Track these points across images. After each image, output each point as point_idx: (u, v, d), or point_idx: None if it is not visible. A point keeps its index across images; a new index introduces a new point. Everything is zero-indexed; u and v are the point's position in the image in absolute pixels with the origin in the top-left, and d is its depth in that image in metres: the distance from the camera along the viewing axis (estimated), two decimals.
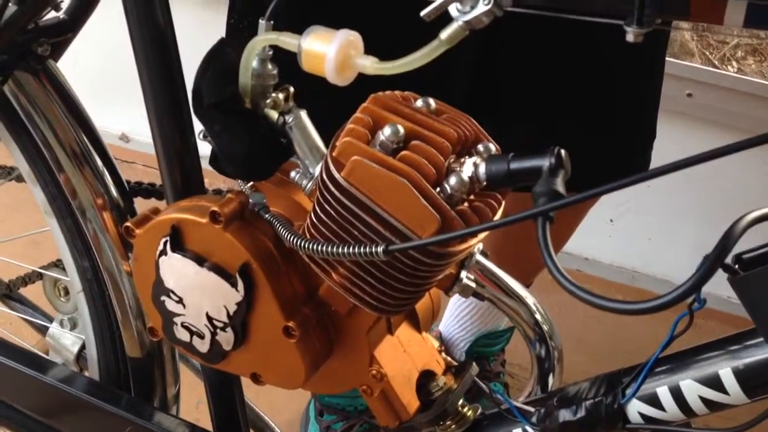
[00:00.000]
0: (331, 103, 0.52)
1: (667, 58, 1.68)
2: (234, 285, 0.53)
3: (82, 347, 0.81)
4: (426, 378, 0.60)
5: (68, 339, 0.83)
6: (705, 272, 0.38)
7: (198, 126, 0.59)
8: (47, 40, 0.62)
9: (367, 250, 0.46)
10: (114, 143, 1.88)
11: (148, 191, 0.68)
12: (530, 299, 0.60)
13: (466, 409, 0.59)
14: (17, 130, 0.65)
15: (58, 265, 0.80)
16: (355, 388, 1.14)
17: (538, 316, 0.60)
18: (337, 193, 0.47)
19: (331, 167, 0.47)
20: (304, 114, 0.55)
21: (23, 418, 0.77)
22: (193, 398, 1.07)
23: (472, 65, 0.80)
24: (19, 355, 0.72)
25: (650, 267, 1.86)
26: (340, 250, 0.47)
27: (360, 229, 0.48)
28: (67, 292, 0.80)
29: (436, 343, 0.63)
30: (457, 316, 1.27)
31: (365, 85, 0.51)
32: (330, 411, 1.18)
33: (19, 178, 0.74)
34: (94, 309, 0.71)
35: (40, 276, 0.82)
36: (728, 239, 0.39)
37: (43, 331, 0.87)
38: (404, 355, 0.59)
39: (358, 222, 0.47)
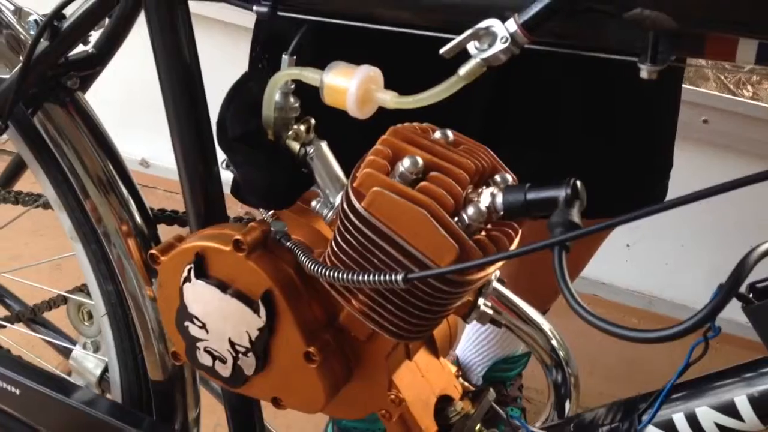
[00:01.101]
0: (351, 136, 0.54)
1: (684, 86, 1.69)
2: (256, 311, 0.54)
3: (105, 370, 0.82)
4: (444, 403, 0.61)
5: (91, 362, 0.84)
6: (719, 303, 0.39)
7: (221, 155, 0.61)
8: (76, 74, 0.65)
9: (387, 278, 0.47)
10: (134, 168, 1.91)
11: (172, 218, 0.70)
12: (546, 325, 0.61)
13: None
14: (45, 159, 0.67)
15: (82, 289, 0.82)
16: (373, 413, 1.14)
17: (554, 342, 0.61)
18: (357, 222, 0.49)
19: (352, 197, 0.49)
20: (324, 145, 0.56)
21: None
22: (212, 421, 1.08)
23: (488, 98, 0.82)
24: (43, 378, 0.73)
25: (667, 292, 1.86)
26: (360, 277, 0.49)
27: (380, 258, 0.49)
28: (90, 317, 0.82)
29: (454, 369, 0.64)
30: (474, 341, 1.28)
31: (385, 118, 0.52)
32: None
33: (45, 205, 0.76)
34: (117, 333, 0.72)
35: (65, 300, 0.83)
36: (741, 270, 0.40)
37: (66, 353, 0.88)
38: (422, 380, 0.60)
39: (378, 251, 0.49)
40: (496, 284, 0.57)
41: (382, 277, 0.48)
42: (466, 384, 0.63)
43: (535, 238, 0.45)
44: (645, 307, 1.85)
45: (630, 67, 0.43)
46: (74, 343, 0.87)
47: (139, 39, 0.60)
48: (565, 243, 0.45)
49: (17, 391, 0.73)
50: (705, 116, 1.60)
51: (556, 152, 0.85)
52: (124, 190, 0.68)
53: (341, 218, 0.50)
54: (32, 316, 0.87)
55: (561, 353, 0.61)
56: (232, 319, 0.56)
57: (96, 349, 0.84)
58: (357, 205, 0.48)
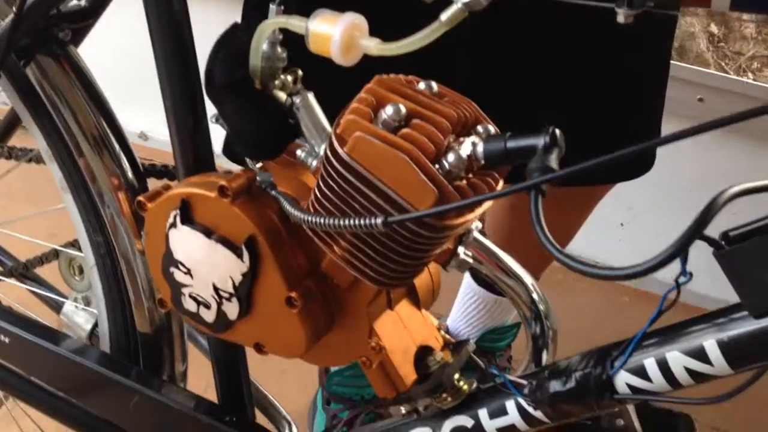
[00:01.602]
0: (337, 87, 0.55)
1: (680, 64, 1.69)
2: (240, 256, 0.55)
3: (95, 325, 0.84)
4: (424, 353, 0.62)
5: (81, 317, 0.85)
6: (685, 239, 0.40)
7: (210, 110, 0.62)
8: (68, 26, 0.65)
9: (367, 222, 0.48)
10: (133, 141, 1.93)
11: (161, 172, 0.71)
12: (528, 279, 0.62)
13: (461, 382, 0.61)
14: (36, 110, 0.68)
15: (74, 244, 0.83)
16: (362, 381, 1.16)
17: (534, 296, 0.62)
18: (340, 168, 0.50)
19: (335, 143, 0.50)
20: (311, 96, 0.57)
21: (33, 389, 0.80)
22: (201, 383, 1.09)
23: (474, 51, 0.82)
24: (33, 327, 0.75)
25: (661, 271, 1.88)
26: (341, 222, 0.50)
27: (361, 203, 0.50)
28: (81, 271, 0.83)
29: (435, 321, 0.65)
30: (464, 311, 1.29)
31: (371, 70, 0.53)
32: (337, 399, 1.20)
33: (38, 159, 0.77)
34: (106, 284, 0.73)
35: (56, 255, 0.84)
36: (710, 210, 0.41)
37: (57, 309, 0.89)
38: (403, 330, 0.61)
39: (360, 196, 0.50)
40: (477, 234, 0.58)
41: (362, 221, 0.49)
42: (447, 336, 0.64)
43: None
44: (637, 286, 1.87)
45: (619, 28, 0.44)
46: (66, 299, 0.88)
47: (138, 9, 0.61)
48: (540, 187, 0.46)
49: (6, 339, 0.74)
50: (700, 95, 1.60)
51: (543, 110, 0.85)
52: (115, 143, 0.69)
53: (324, 164, 0.51)
54: (24, 271, 0.88)
55: (541, 307, 0.62)
56: (217, 264, 0.57)
57: (87, 304, 0.85)
58: (340, 150, 0.49)
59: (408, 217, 0.48)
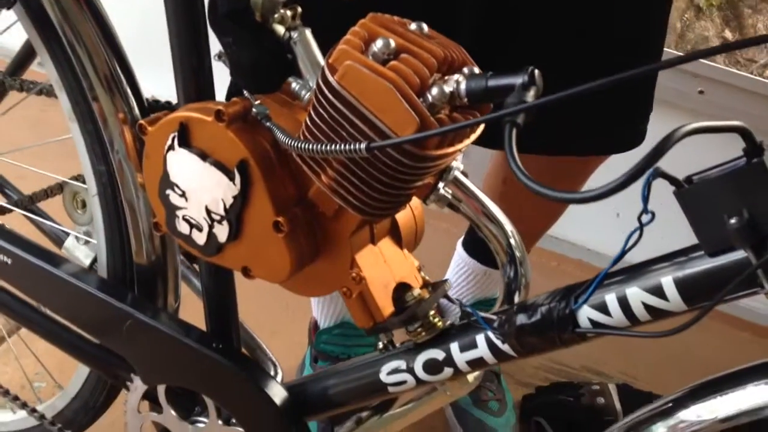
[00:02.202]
0: (333, 25, 0.58)
1: (682, 53, 1.70)
2: (232, 179, 0.59)
3: (94, 261, 0.87)
4: (403, 290, 0.65)
5: (81, 252, 0.88)
6: (641, 166, 0.43)
7: (213, 48, 0.65)
8: None
9: (352, 147, 0.51)
10: None
11: (164, 107, 0.74)
12: (508, 226, 0.65)
13: (436, 319, 0.64)
14: (49, 38, 0.71)
15: (77, 179, 0.86)
16: (350, 340, 1.19)
17: (512, 241, 0.64)
18: (330, 95, 0.53)
19: (326, 71, 0.53)
20: (308, 32, 0.60)
21: (33, 313, 0.83)
22: None
23: (476, 15, 0.85)
24: (35, 249, 0.78)
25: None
26: (328, 148, 0.53)
27: (348, 131, 0.53)
28: (84, 205, 0.86)
29: (416, 262, 0.68)
30: (454, 282, 1.32)
31: (361, 11, 0.56)
32: (324, 357, 1.24)
33: (49, 93, 0.80)
34: (106, 213, 0.77)
35: (61, 188, 0.88)
36: (665, 143, 0.43)
37: (59, 243, 0.92)
38: (384, 265, 0.64)
39: (347, 123, 0.53)
40: (458, 174, 0.61)
41: (348, 147, 0.52)
42: (426, 277, 0.67)
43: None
44: None
45: None
46: (67, 235, 0.92)
47: None
48: (515, 119, 0.49)
49: (9, 260, 0.77)
50: (701, 87, 1.62)
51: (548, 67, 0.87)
52: (123, 78, 0.72)
53: (316, 93, 0.54)
54: (29, 204, 0.91)
55: (517, 253, 0.65)
56: (210, 187, 0.60)
57: (87, 242, 0.88)
58: (330, 78, 0.52)
59: (390, 143, 0.51)
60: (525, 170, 0.47)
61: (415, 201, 0.66)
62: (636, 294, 0.52)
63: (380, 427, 0.76)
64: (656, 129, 1.10)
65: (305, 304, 1.36)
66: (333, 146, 0.52)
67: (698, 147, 0.72)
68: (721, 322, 1.81)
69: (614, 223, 1.97)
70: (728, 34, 2.93)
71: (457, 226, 1.35)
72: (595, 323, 0.54)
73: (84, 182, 0.81)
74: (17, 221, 0.94)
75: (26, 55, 0.88)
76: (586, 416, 1.36)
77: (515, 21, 0.89)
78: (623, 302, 0.53)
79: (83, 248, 0.88)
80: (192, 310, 0.85)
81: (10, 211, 0.92)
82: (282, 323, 1.50)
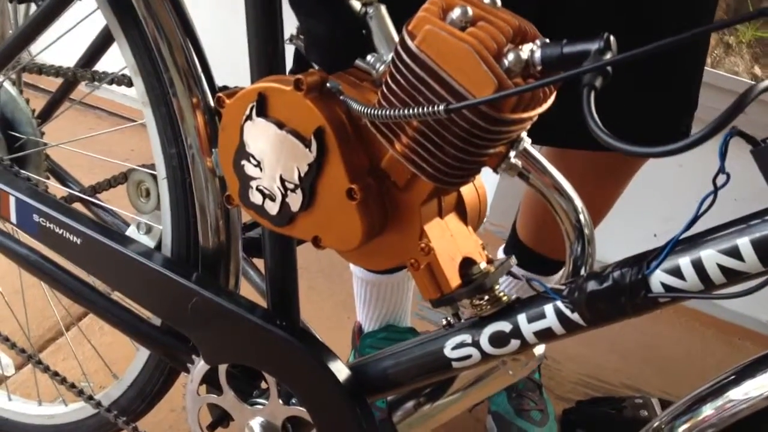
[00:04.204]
0: (406, 2, 0.60)
1: (714, 71, 1.71)
2: (308, 146, 0.60)
3: (155, 248, 0.89)
4: (468, 264, 0.66)
5: (143, 240, 0.91)
6: (719, 122, 0.44)
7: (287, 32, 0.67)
8: None
9: (431, 109, 0.53)
10: None
11: (235, 93, 0.76)
12: (578, 201, 0.65)
13: (501, 293, 0.65)
14: (129, 25, 0.75)
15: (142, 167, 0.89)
16: (395, 343, 1.20)
17: (581, 217, 0.65)
18: (408, 60, 0.55)
19: (406, 37, 0.55)
20: (383, 7, 0.62)
21: (98, 297, 0.85)
22: None
23: None
24: (104, 230, 0.80)
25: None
26: (407, 111, 0.54)
27: (425, 95, 0.55)
28: (148, 193, 0.88)
29: (480, 240, 0.69)
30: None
31: None
32: None
33: (119, 81, 0.83)
34: (174, 196, 0.79)
35: (124, 178, 0.90)
36: (743, 98, 0.45)
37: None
38: (451, 239, 0.65)
39: (425, 88, 0.54)
40: (529, 147, 0.62)
41: (426, 109, 0.53)
42: (489, 255, 0.68)
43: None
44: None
45: None
46: (127, 225, 0.94)
47: None
48: (593, 83, 0.50)
49: (78, 240, 0.80)
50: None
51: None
52: (197, 62, 0.75)
53: (394, 60, 0.56)
54: (92, 194, 0.94)
55: (586, 231, 0.66)
56: (285, 155, 0.62)
57: (147, 232, 0.91)
58: (410, 42, 0.54)
59: (468, 104, 0.52)
60: (601, 126, 0.48)
61: (479, 180, 0.68)
62: (711, 256, 0.53)
63: (439, 411, 0.77)
64: (698, 149, 1.10)
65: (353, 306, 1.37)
66: (412, 110, 0.54)
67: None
68: (753, 343, 1.80)
69: (653, 244, 1.97)
70: (758, 71, 2.94)
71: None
72: (668, 287, 0.55)
73: (148, 169, 0.84)
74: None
75: (99, 47, 0.92)
76: (629, 429, 1.35)
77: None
78: (698, 265, 0.53)
79: (144, 237, 0.90)
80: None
81: (74, 200, 0.95)
82: (323, 323, 1.52)
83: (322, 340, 0.86)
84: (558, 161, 0.70)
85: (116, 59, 0.79)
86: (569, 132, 0.79)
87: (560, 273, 1.31)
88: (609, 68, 0.50)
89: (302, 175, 0.62)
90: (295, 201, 0.63)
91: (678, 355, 1.72)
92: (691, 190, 1.14)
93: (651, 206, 1.91)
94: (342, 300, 1.63)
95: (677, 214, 1.92)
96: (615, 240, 1.60)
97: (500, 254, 1.33)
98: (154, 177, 0.81)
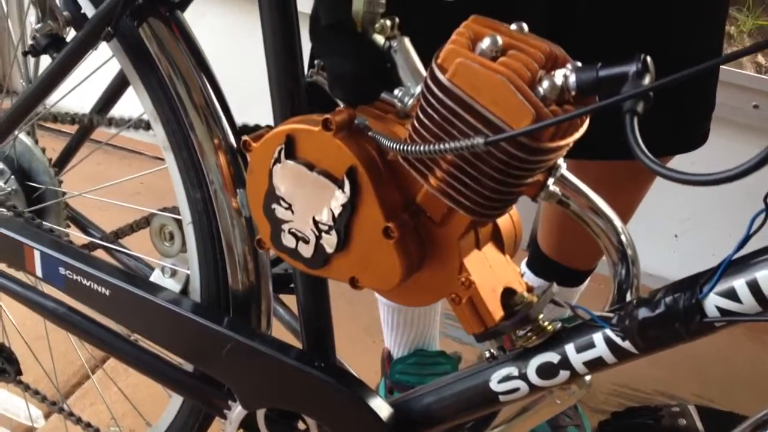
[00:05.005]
0: (430, 32, 0.59)
1: (735, 70, 1.69)
2: (341, 187, 0.59)
3: (182, 292, 0.88)
4: (509, 294, 0.64)
5: (169, 284, 0.89)
6: None
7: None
8: None
9: (468, 143, 0.52)
10: None
11: (255, 130, 0.75)
12: (617, 221, 0.63)
13: (546, 323, 0.63)
14: (145, 71, 0.73)
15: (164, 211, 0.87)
16: (425, 369, 1.17)
17: (623, 238, 0.63)
18: (440, 94, 0.53)
19: (436, 71, 0.53)
20: (407, 40, 0.61)
21: (128, 346, 0.84)
22: None
23: (548, 3, 0.85)
24: (132, 279, 0.79)
25: None
26: (443, 146, 0.53)
27: (459, 128, 0.53)
28: (172, 237, 0.87)
29: (518, 269, 0.67)
30: None
31: (457, 18, 0.57)
32: (400, 388, 1.22)
33: (136, 126, 0.82)
34: (201, 240, 0.77)
35: (147, 222, 0.89)
36: None
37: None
38: (490, 270, 0.64)
39: (458, 121, 0.53)
40: (565, 172, 0.60)
41: (463, 143, 0.52)
42: (529, 283, 0.67)
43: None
44: None
45: None
46: (152, 269, 0.93)
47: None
48: (634, 108, 0.48)
49: (107, 292, 0.78)
50: (755, 101, 1.60)
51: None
52: (217, 104, 0.74)
53: (424, 94, 0.55)
54: (114, 239, 0.93)
55: (629, 251, 0.64)
56: (317, 197, 0.60)
57: (172, 275, 0.89)
58: (441, 76, 0.53)
59: (508, 136, 0.51)
60: (648, 154, 0.46)
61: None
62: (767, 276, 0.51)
63: None
64: (711, 147, 1.10)
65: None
66: (448, 144, 0.52)
67: None
68: None
69: (673, 245, 1.95)
70: (761, 60, 2.92)
71: None
72: (724, 311, 0.53)
73: (171, 213, 0.82)
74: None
75: (116, 90, 0.91)
76: None
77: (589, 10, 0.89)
78: (754, 287, 0.52)
79: (170, 281, 0.89)
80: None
81: (96, 247, 0.94)
82: (349, 352, 1.50)
83: (358, 376, 0.84)
84: (574, 169, 0.68)
85: (134, 99, 0.78)
86: (588, 145, 0.78)
87: (585, 283, 1.30)
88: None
89: (336, 216, 0.60)
90: (329, 243, 0.62)
91: (708, 356, 1.69)
92: (707, 189, 1.12)
93: (668, 207, 1.89)
94: (366, 324, 1.61)
95: (694, 214, 1.90)
96: (637, 242, 1.59)
97: (523, 268, 1.31)
98: (179, 221, 0.80)
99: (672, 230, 1.93)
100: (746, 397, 1.57)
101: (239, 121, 0.77)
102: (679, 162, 1.07)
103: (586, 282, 1.30)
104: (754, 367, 1.67)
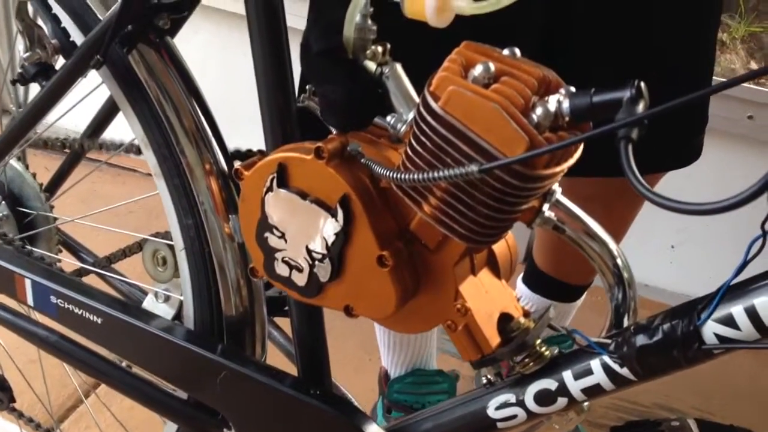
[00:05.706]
0: (422, 58, 0.58)
1: (717, 78, 1.69)
2: (334, 215, 0.58)
3: (175, 317, 0.87)
4: (505, 320, 0.64)
5: (161, 310, 0.88)
6: None
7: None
8: (167, 15, 0.70)
9: (462, 171, 0.51)
10: None
11: (247, 155, 0.75)
12: (612, 244, 0.63)
13: (543, 348, 0.62)
14: (135, 97, 0.73)
15: (156, 236, 0.87)
16: (423, 388, 1.17)
17: (619, 262, 0.63)
18: (433, 122, 0.53)
19: (429, 99, 0.53)
20: (399, 66, 0.61)
21: (123, 374, 0.83)
22: None
23: (543, 24, 0.85)
24: (124, 307, 0.78)
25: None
26: (437, 174, 0.52)
27: (453, 156, 0.53)
28: (165, 262, 0.86)
29: (514, 292, 0.66)
30: None
31: (449, 44, 0.56)
32: (398, 408, 1.21)
33: (127, 150, 0.82)
34: (194, 266, 0.77)
35: (139, 247, 0.88)
36: None
37: (136, 303, 0.93)
38: (486, 296, 0.63)
39: (452, 149, 0.52)
40: (560, 197, 0.60)
41: (457, 171, 0.51)
42: (525, 307, 0.66)
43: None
44: None
45: None
46: (144, 294, 0.92)
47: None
48: (629, 135, 0.48)
49: (99, 320, 0.77)
50: (750, 112, 1.61)
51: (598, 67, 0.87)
52: (208, 129, 0.73)
53: (417, 121, 0.54)
54: (106, 264, 0.92)
55: (625, 274, 0.63)
56: (310, 225, 0.60)
57: (165, 300, 0.88)
58: (433, 104, 0.52)
59: (501, 163, 0.50)
60: (645, 183, 0.46)
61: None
62: (766, 304, 0.50)
63: None
64: (706, 158, 1.10)
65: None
66: (442, 172, 0.52)
67: None
68: None
69: (669, 256, 1.94)
70: (754, 66, 2.93)
71: None
72: (722, 338, 0.53)
73: (163, 237, 0.82)
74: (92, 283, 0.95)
75: (105, 116, 0.90)
76: None
77: (584, 26, 0.89)
78: (752, 313, 0.51)
79: (162, 306, 0.88)
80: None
81: (88, 273, 0.93)
82: (345, 373, 1.49)
83: (354, 399, 0.83)
84: (567, 187, 0.68)
85: (125, 121, 0.77)
86: (581, 163, 0.77)
87: (582, 298, 1.29)
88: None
89: (329, 244, 0.60)
90: (323, 271, 0.61)
91: (708, 369, 1.68)
92: (701, 200, 1.12)
93: (664, 217, 1.89)
94: (361, 341, 1.60)
95: (690, 225, 1.90)
96: (631, 253, 1.59)
97: (519, 284, 1.30)
98: (171, 247, 0.79)
99: (668, 241, 1.93)
100: (747, 410, 1.56)
101: (232, 140, 0.77)
102: (674, 173, 1.07)
103: (583, 296, 1.29)
104: (754, 381, 1.66)
